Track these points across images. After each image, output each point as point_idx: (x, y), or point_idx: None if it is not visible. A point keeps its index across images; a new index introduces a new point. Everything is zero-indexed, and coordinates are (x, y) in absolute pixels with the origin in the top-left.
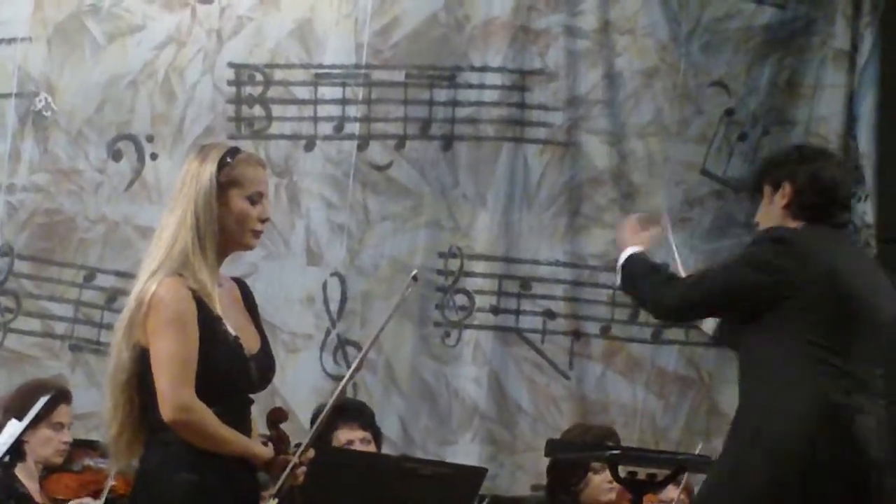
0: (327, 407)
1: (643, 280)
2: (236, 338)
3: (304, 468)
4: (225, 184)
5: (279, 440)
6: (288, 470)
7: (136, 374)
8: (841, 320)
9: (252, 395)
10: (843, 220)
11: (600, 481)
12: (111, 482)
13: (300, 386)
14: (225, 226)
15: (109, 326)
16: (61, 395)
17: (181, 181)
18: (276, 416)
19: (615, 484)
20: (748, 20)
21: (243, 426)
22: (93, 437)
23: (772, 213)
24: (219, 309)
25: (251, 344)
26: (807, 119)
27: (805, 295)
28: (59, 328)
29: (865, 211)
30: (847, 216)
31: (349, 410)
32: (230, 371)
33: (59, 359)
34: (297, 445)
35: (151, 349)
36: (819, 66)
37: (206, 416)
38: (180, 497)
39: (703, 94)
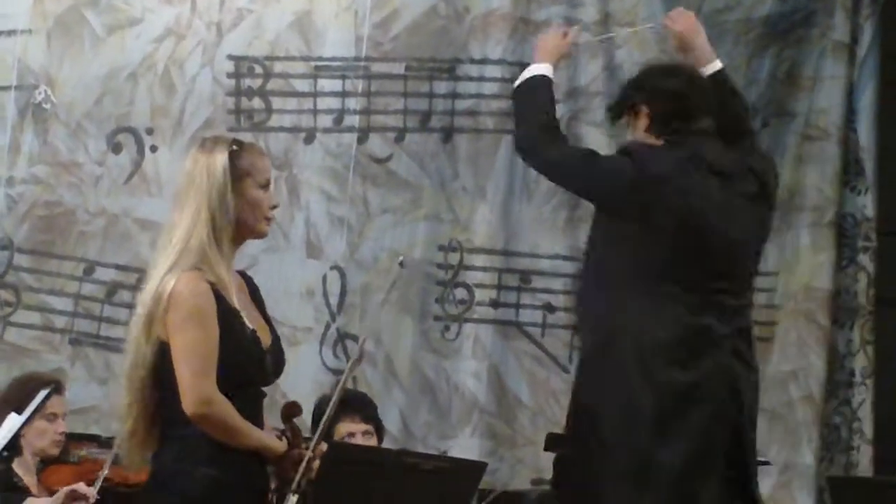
0: (332, 401)
1: (535, 110)
2: (253, 331)
3: (317, 462)
4: (239, 173)
5: (293, 434)
6: (304, 464)
7: (155, 370)
8: (690, 251)
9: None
10: (703, 127)
11: None
12: (105, 472)
13: (300, 379)
14: (240, 215)
15: (109, 320)
16: (55, 387)
17: (189, 177)
18: (291, 411)
19: None
20: (748, 12)
21: (257, 419)
22: (93, 431)
23: (638, 134)
24: (236, 302)
25: (264, 337)
26: (806, 111)
27: (654, 224)
28: (59, 322)
29: (865, 204)
30: (708, 122)
31: (351, 402)
32: (248, 364)
33: (59, 352)
34: (307, 440)
35: (172, 343)
36: (819, 58)
37: (228, 410)
38: (200, 492)
39: None
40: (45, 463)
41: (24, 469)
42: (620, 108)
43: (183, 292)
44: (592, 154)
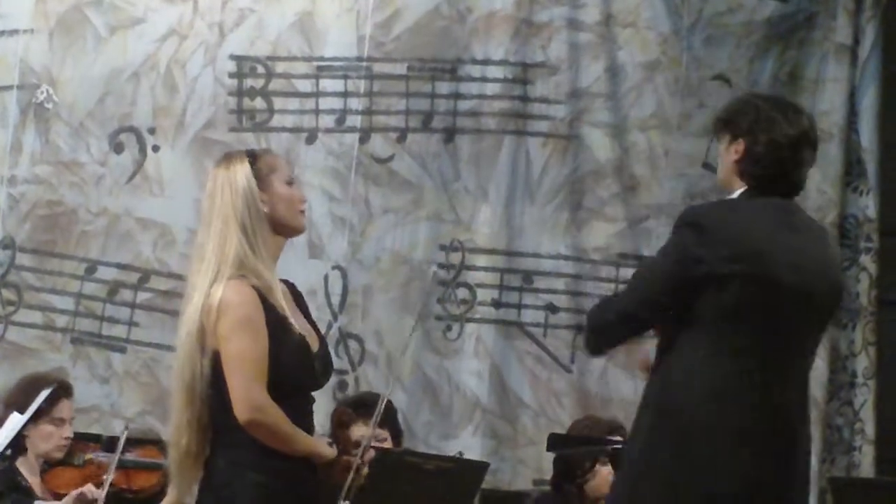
0: (378, 408)
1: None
2: (302, 336)
3: (366, 469)
4: (263, 173)
5: (345, 441)
6: (353, 471)
7: (212, 380)
8: (761, 310)
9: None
10: (793, 188)
11: (608, 473)
12: (111, 476)
13: None
14: (276, 214)
15: (111, 319)
16: (62, 390)
17: (211, 195)
18: (343, 418)
19: None
20: (750, 14)
21: (307, 425)
22: (94, 430)
23: (725, 164)
24: (285, 308)
25: (312, 342)
26: (809, 113)
27: (720, 287)
28: (61, 321)
29: (867, 205)
30: (798, 181)
31: (369, 405)
32: (298, 370)
33: (61, 352)
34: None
35: (223, 351)
36: (821, 61)
37: (279, 416)
38: (251, 499)
39: (705, 87)
40: (50, 465)
41: (28, 469)
42: (722, 128)
43: (232, 300)
44: (640, 273)
